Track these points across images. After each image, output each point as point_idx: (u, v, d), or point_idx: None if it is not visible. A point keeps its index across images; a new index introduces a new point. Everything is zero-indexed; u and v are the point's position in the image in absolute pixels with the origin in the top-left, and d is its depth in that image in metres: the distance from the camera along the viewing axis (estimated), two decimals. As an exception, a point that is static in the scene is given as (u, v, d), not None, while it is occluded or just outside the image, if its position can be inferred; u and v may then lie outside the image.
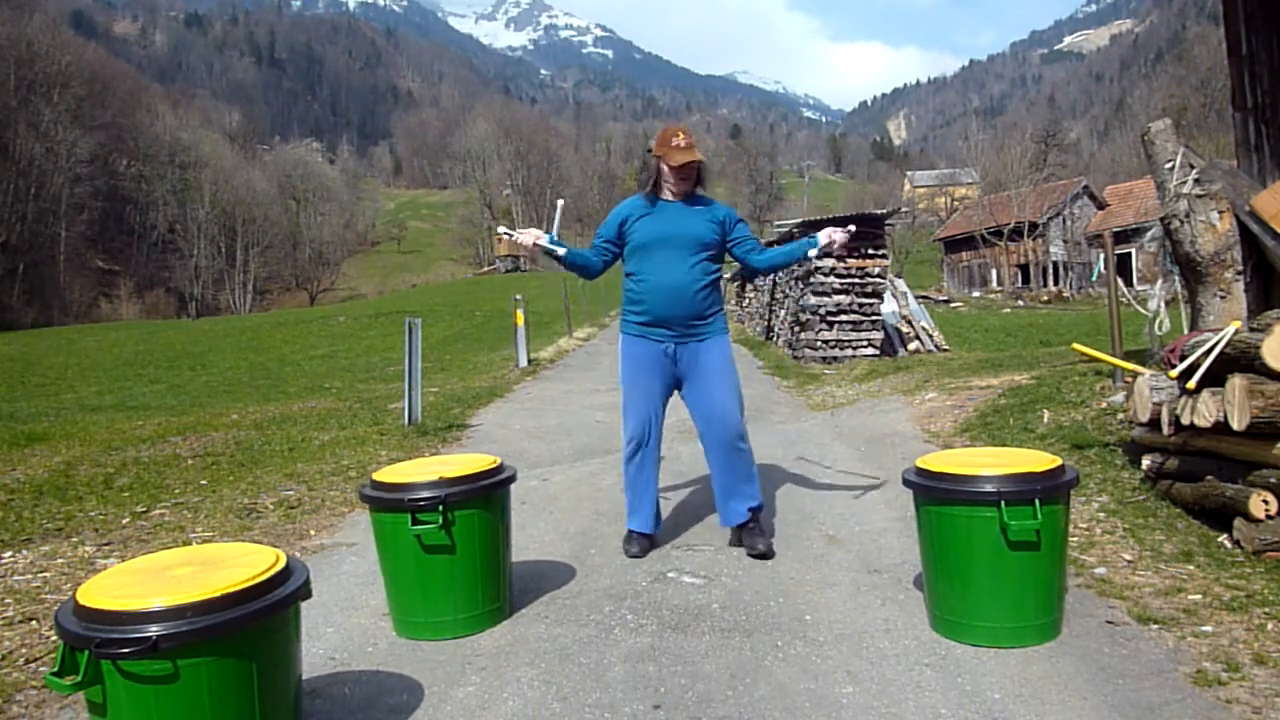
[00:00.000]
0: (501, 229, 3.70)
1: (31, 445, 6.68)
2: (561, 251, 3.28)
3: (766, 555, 3.23)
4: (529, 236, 3.28)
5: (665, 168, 3.25)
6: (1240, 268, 4.83)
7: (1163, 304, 6.03)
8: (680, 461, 5.04)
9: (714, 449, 3.30)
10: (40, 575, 3.38)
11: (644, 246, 3.26)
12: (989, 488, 2.35)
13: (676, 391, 3.40)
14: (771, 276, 14.71)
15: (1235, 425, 2.99)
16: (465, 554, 2.61)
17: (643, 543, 3.37)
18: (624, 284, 3.41)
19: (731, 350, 3.42)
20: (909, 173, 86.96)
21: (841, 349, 11.30)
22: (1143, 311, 6.46)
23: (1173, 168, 4.97)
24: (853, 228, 3.53)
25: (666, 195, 3.31)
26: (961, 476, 2.41)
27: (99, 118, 64.40)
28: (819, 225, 12.52)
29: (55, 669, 1.64)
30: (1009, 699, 2.11)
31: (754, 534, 3.30)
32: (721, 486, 3.33)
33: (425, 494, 2.53)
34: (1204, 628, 2.45)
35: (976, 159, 56.18)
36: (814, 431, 6.06)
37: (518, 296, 11.91)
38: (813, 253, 3.37)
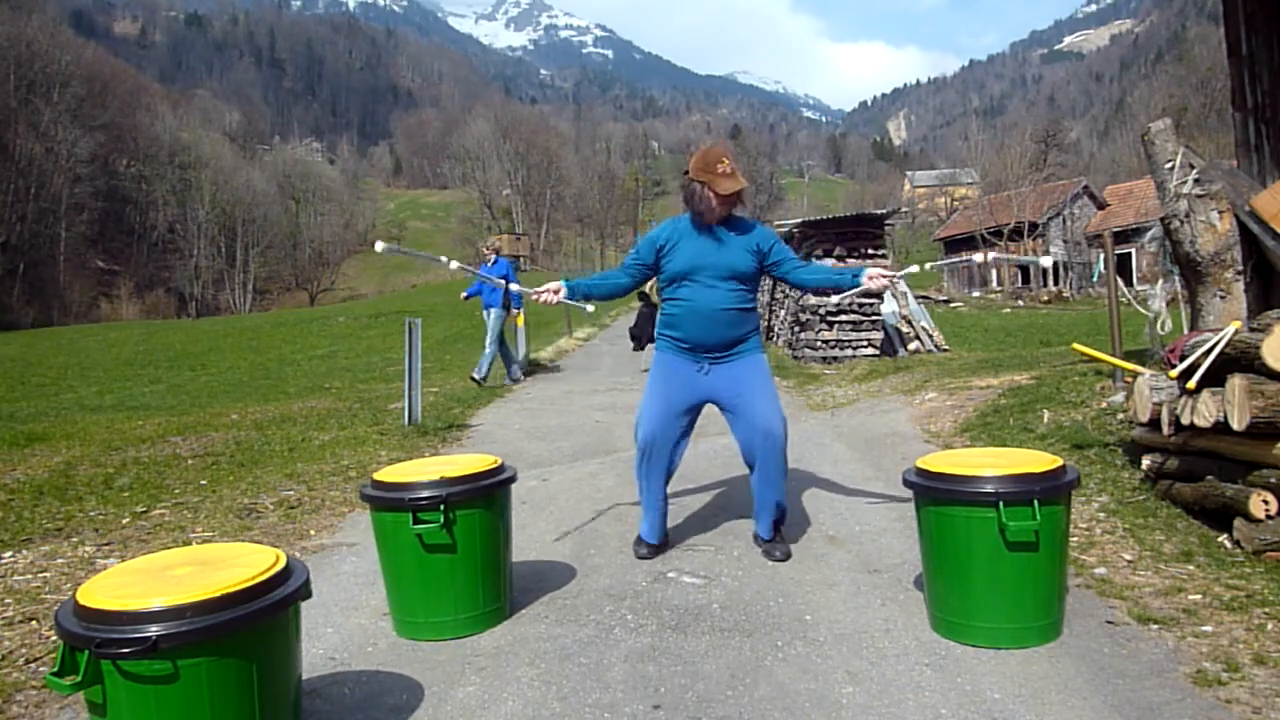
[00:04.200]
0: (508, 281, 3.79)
1: (31, 445, 6.67)
2: (589, 308, 3.39)
3: (784, 560, 3.26)
4: (548, 294, 3.24)
5: (710, 194, 3.15)
6: (1240, 268, 4.84)
7: (1163, 304, 6.04)
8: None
9: (759, 464, 3.25)
10: (40, 575, 3.38)
11: (680, 274, 3.23)
12: (988, 488, 2.35)
13: (720, 411, 3.35)
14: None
15: (1235, 425, 3.00)
16: (466, 554, 2.61)
17: (650, 547, 3.38)
18: (662, 306, 3.40)
19: (768, 367, 3.39)
20: (909, 173, 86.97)
21: (841, 349, 11.30)
22: (1143, 311, 6.47)
23: (1173, 168, 4.97)
24: (901, 275, 3.51)
25: (705, 220, 3.24)
26: (961, 477, 2.41)
27: (99, 118, 64.29)
28: (820, 226, 12.53)
29: (55, 669, 1.64)
30: (1009, 699, 2.11)
31: (774, 542, 3.33)
32: (762, 500, 3.31)
33: (427, 493, 2.53)
34: (1204, 628, 2.46)
35: (976, 159, 56.15)
36: (814, 431, 6.06)
37: (518, 296, 11.88)
38: (847, 295, 3.38)
